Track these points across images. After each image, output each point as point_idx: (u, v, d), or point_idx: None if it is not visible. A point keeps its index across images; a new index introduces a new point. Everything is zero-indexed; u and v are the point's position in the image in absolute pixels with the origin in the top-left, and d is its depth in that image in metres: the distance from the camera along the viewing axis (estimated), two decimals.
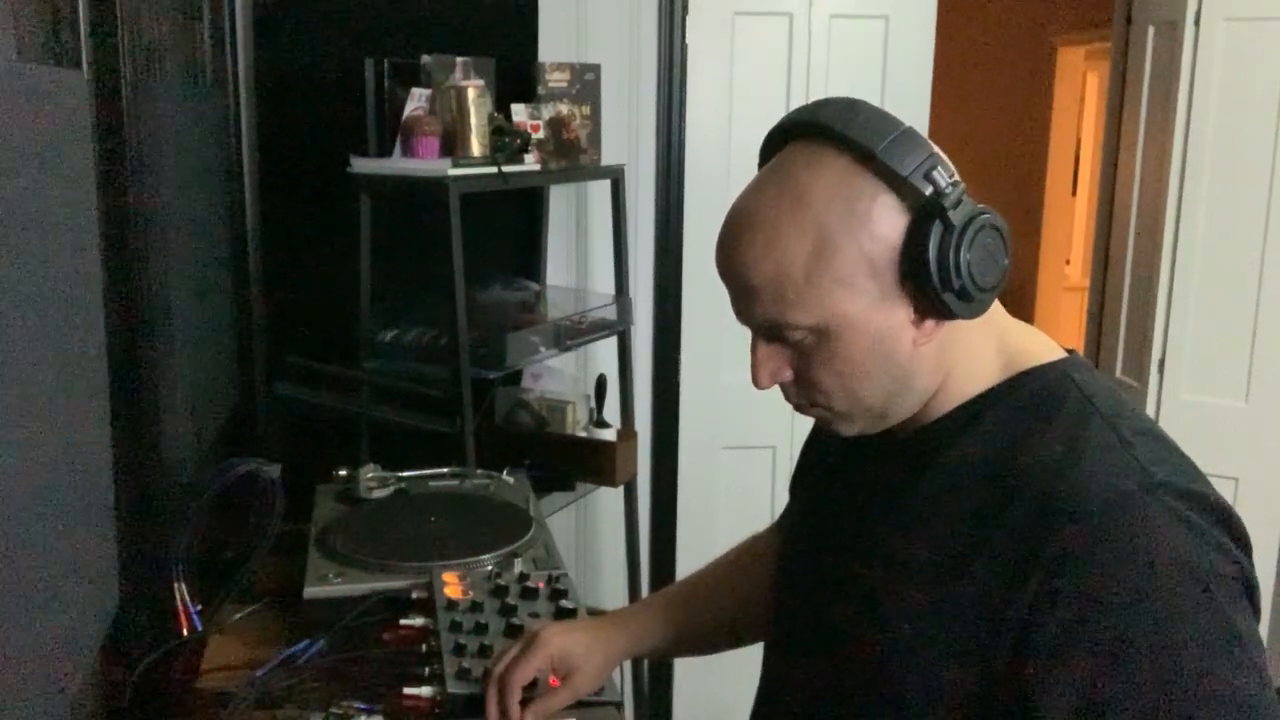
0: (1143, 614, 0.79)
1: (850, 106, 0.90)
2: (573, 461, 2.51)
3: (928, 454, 0.94)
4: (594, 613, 2.70)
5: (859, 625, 0.95)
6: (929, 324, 0.90)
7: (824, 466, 1.12)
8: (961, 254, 0.85)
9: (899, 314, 0.89)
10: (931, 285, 0.86)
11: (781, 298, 0.88)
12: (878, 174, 0.87)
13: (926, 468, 0.94)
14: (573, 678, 1.13)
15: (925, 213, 0.86)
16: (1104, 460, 0.85)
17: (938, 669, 0.87)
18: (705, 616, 1.24)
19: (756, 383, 0.95)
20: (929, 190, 0.86)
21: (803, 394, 0.95)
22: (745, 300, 0.92)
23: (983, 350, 0.95)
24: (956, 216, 0.86)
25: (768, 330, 0.92)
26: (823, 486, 1.10)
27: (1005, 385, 0.94)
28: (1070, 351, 0.97)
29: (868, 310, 0.88)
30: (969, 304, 0.88)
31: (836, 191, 0.87)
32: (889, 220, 0.87)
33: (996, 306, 0.94)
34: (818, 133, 0.90)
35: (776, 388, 0.96)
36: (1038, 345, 0.97)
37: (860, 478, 1.02)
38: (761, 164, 0.97)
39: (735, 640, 1.27)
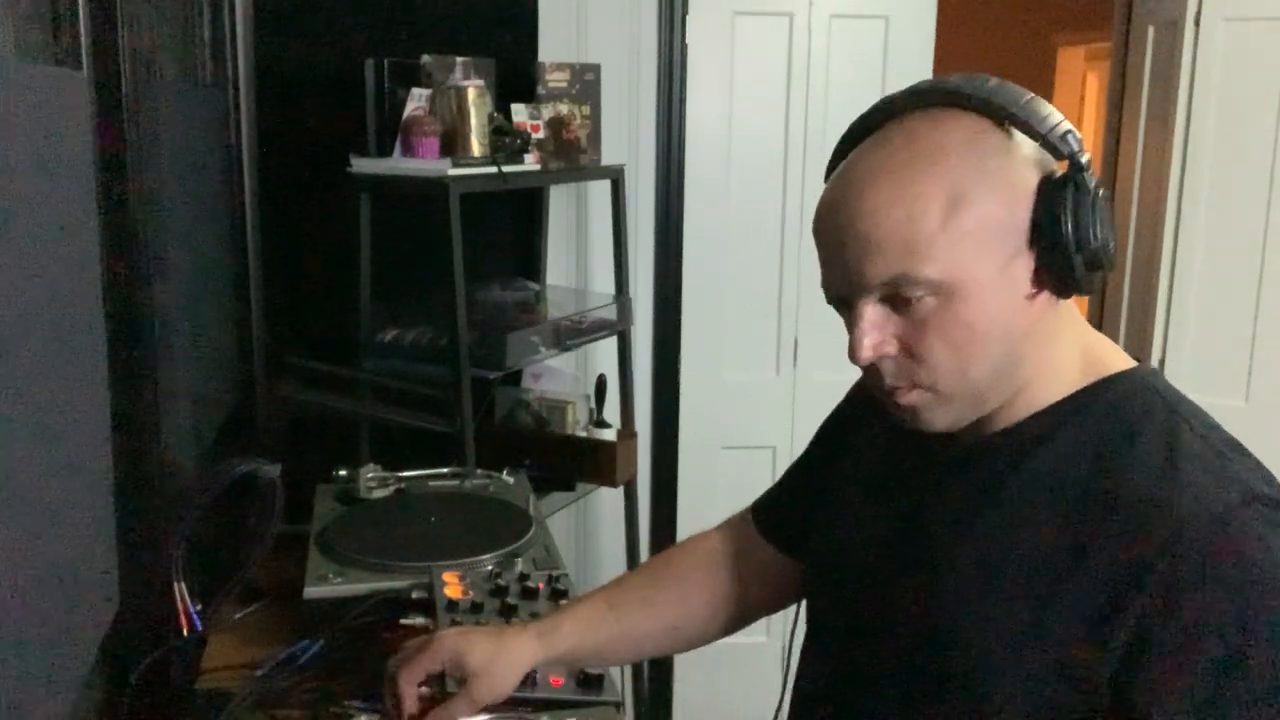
0: (1256, 627, 0.77)
1: (976, 75, 0.89)
2: (573, 461, 2.51)
3: (1011, 459, 0.90)
4: None
5: (942, 645, 0.89)
6: (1042, 299, 0.87)
7: (867, 478, 1.06)
8: (1096, 217, 0.84)
9: (1020, 284, 0.86)
10: (1063, 245, 0.84)
11: (910, 249, 0.84)
12: (1013, 132, 0.86)
13: (1010, 475, 0.90)
14: (472, 684, 1.08)
15: (1062, 173, 0.85)
16: (1203, 474, 0.83)
17: (1031, 687, 0.83)
18: (638, 620, 1.20)
19: (857, 355, 0.89)
20: (1066, 150, 0.85)
21: (905, 372, 0.90)
22: (860, 259, 0.87)
23: (1069, 351, 0.92)
24: (1090, 180, 0.84)
25: (884, 291, 0.87)
26: (870, 501, 1.04)
27: (1088, 390, 0.91)
28: (1139, 360, 0.95)
29: (994, 274, 0.85)
30: (1092, 274, 0.86)
31: (970, 147, 0.85)
32: (1023, 178, 0.85)
33: (1078, 312, 0.93)
34: (943, 100, 0.88)
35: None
36: (1113, 352, 0.95)
37: (925, 489, 0.97)
38: (841, 148, 0.95)
39: (669, 647, 1.27)
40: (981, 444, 0.93)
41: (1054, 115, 0.86)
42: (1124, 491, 0.83)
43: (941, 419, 0.92)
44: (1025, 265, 0.86)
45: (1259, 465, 0.87)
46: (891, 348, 0.89)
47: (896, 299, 0.87)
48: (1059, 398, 0.91)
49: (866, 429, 1.09)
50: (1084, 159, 0.85)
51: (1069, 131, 0.85)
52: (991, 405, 0.91)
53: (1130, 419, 0.88)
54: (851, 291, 0.89)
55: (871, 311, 0.88)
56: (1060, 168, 0.87)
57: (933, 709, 0.90)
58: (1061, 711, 0.83)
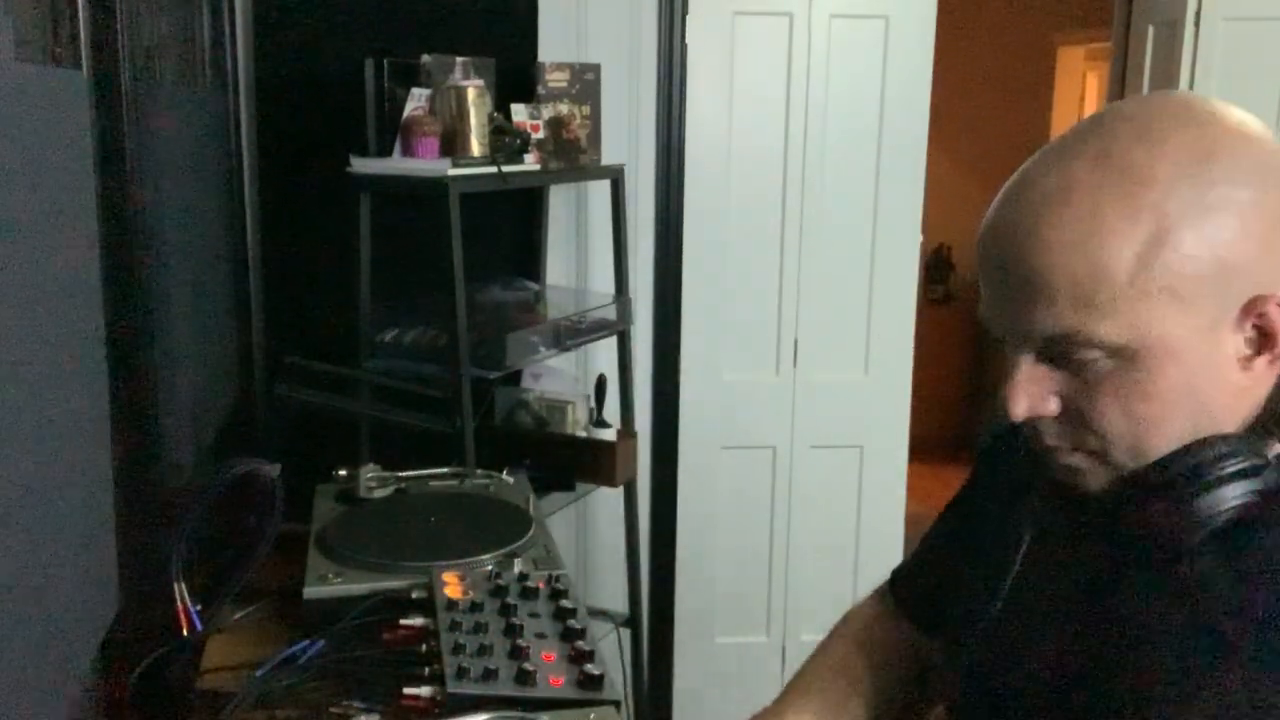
0: None
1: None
2: (573, 461, 2.51)
3: (1214, 556, 0.73)
4: (594, 613, 2.69)
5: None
6: (1262, 361, 0.71)
7: (1031, 565, 0.87)
8: None
9: (1229, 344, 0.70)
10: None
11: (1089, 304, 0.69)
12: None
13: (1212, 574, 0.73)
14: None
15: None
16: None
17: None
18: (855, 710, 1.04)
19: (1011, 411, 0.75)
20: None
21: (1068, 434, 0.75)
22: (1027, 302, 0.71)
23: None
24: None
25: (1049, 346, 0.72)
26: (1038, 593, 0.87)
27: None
28: None
29: (1196, 335, 0.69)
30: None
31: (1184, 173, 0.67)
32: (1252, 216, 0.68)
33: None
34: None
35: None
36: None
37: (1110, 582, 0.80)
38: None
39: None
40: (1174, 533, 0.73)
41: None
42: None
43: (1105, 482, 0.77)
44: (1244, 323, 0.70)
45: None
46: (1053, 406, 0.75)
47: (1066, 355, 0.72)
48: None
49: (1019, 502, 0.90)
50: None
51: None
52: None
53: None
54: (1012, 338, 0.75)
55: (1030, 365, 0.74)
56: None
57: None
58: None
